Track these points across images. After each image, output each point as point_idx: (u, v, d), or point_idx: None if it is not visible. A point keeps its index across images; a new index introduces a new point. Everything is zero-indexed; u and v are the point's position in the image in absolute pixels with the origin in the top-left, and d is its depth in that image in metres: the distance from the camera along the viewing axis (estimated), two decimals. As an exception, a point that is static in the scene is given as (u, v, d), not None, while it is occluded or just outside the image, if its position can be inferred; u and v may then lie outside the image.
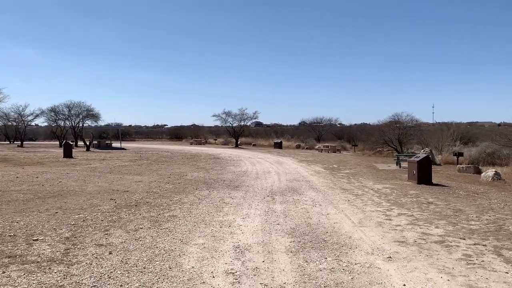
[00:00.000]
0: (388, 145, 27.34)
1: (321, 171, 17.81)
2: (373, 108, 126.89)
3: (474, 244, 6.18)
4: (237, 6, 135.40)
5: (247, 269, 5.01)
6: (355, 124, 64.28)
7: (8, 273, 4.74)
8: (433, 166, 14.93)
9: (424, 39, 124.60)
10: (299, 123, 69.58)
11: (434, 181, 13.68)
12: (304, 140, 46.29)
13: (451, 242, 6.30)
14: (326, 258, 5.45)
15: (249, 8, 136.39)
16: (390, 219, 7.98)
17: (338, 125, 62.31)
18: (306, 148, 40.31)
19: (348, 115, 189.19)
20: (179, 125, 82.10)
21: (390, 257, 5.54)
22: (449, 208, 9.13)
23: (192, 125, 77.93)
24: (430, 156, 15.54)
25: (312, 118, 58.72)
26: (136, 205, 9.15)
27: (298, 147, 41.74)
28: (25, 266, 5.00)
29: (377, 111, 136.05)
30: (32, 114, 45.22)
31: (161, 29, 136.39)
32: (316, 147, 38.38)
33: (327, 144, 37.29)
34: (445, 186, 12.97)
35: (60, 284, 4.45)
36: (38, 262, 5.16)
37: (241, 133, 46.27)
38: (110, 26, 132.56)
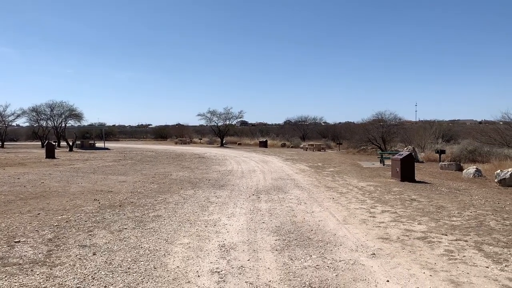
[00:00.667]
0: (372, 143, 27.62)
1: (306, 169, 17.90)
2: (357, 106, 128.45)
3: (456, 240, 6.30)
4: (222, 4, 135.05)
5: (233, 267, 5.01)
6: (340, 123, 64.92)
7: (-11, 276, 4.66)
8: (416, 164, 15.14)
9: (407, 39, 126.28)
10: (284, 122, 69.89)
11: (417, 178, 13.89)
12: (289, 138, 46.51)
13: (433, 238, 6.41)
14: (311, 256, 5.49)
15: (234, 6, 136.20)
16: (374, 216, 8.08)
17: (323, 124, 62.78)
18: (291, 147, 40.48)
19: (333, 113, 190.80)
20: (163, 124, 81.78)
21: (374, 253, 5.61)
22: (431, 205, 9.28)
23: (176, 125, 77.60)
24: (413, 153, 15.73)
25: (297, 117, 59.35)
26: (120, 206, 9.07)
27: (283, 145, 41.87)
28: (6, 268, 4.91)
29: (361, 110, 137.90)
30: (13, 114, 44.27)
31: (145, 27, 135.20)
32: (301, 145, 38.56)
33: (312, 143, 37.47)
34: (427, 183, 13.18)
35: (43, 286, 4.39)
36: (20, 264, 5.07)
37: (226, 132, 46.21)
38: (91, 23, 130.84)
